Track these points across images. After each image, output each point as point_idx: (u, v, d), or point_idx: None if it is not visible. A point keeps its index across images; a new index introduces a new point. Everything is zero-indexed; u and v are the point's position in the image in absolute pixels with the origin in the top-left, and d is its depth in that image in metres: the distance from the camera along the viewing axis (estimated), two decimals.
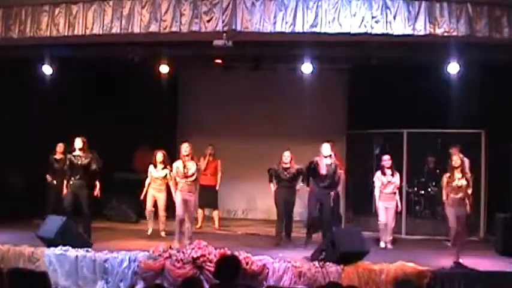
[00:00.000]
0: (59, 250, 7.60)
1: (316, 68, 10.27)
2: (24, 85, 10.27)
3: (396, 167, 9.32)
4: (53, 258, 7.50)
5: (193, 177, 8.60)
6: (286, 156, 9.01)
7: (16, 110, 10.22)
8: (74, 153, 8.87)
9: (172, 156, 9.53)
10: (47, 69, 10.16)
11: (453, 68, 9.36)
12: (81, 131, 10.32)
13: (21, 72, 10.00)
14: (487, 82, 9.69)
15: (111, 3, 8.16)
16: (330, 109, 11.88)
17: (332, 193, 8.89)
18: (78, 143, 8.87)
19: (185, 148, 8.64)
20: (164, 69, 10.66)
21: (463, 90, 9.67)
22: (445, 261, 7.59)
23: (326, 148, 8.75)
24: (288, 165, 9.02)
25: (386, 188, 9.05)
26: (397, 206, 9.13)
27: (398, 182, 9.17)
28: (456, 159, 8.17)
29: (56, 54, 9.71)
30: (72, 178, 8.82)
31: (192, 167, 8.60)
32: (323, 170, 8.71)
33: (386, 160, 9.10)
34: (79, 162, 8.79)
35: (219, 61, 11.24)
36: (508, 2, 7.71)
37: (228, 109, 12.17)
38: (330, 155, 8.77)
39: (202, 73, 12.06)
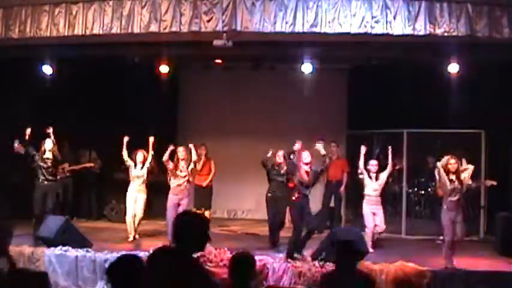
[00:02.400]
0: (59, 250, 7.61)
1: (316, 68, 10.27)
2: (24, 85, 10.25)
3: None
4: (53, 258, 7.51)
5: (185, 178, 8.66)
6: (280, 156, 8.96)
7: (16, 109, 10.21)
8: (44, 156, 9.00)
9: (171, 157, 9.48)
10: (47, 69, 10.16)
11: (453, 68, 9.35)
12: (81, 131, 10.32)
13: (21, 72, 9.99)
14: (487, 82, 9.68)
15: (111, 3, 8.16)
16: (330, 109, 11.88)
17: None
18: (49, 144, 8.97)
19: (181, 152, 8.80)
20: (164, 69, 10.64)
21: (463, 90, 9.67)
22: (445, 262, 7.57)
23: (306, 156, 8.21)
24: (280, 161, 8.94)
25: (372, 192, 8.80)
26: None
27: (382, 184, 8.90)
28: (453, 163, 7.68)
29: (56, 54, 9.71)
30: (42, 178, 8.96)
31: (185, 170, 8.69)
32: (304, 176, 8.13)
33: (373, 165, 8.83)
34: (45, 165, 8.96)
35: (219, 61, 11.23)
36: (508, 2, 7.71)
37: (227, 109, 12.16)
38: (310, 162, 8.20)
39: (202, 73, 12.05)
